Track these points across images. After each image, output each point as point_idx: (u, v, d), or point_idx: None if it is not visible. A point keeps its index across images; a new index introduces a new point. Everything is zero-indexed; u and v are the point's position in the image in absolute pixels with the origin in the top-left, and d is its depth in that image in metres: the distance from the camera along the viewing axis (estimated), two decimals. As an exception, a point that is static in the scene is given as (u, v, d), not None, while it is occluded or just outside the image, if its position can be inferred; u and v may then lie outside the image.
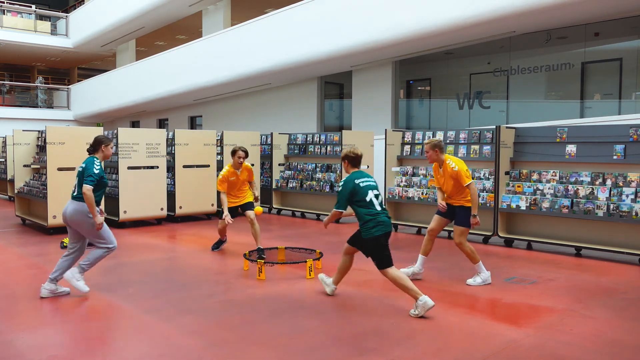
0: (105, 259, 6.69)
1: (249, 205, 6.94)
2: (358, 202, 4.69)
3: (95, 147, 5.16)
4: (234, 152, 6.87)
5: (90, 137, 8.83)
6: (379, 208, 4.70)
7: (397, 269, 4.72)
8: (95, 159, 5.08)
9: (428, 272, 6.08)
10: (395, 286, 5.36)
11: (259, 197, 7.03)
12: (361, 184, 4.72)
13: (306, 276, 5.82)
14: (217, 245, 7.33)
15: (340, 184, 4.83)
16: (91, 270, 6.13)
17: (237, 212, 7.06)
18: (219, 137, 10.92)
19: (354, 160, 4.88)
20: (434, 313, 4.57)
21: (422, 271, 5.78)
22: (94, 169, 4.96)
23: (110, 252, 5.15)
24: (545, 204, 7.14)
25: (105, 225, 5.06)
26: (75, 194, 5.06)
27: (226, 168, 6.90)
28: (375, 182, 4.88)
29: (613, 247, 6.66)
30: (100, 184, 5.01)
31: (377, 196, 4.75)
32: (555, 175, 7.27)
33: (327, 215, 10.68)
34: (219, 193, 7.02)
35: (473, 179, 5.82)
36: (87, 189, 4.88)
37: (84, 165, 5.05)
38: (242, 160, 6.86)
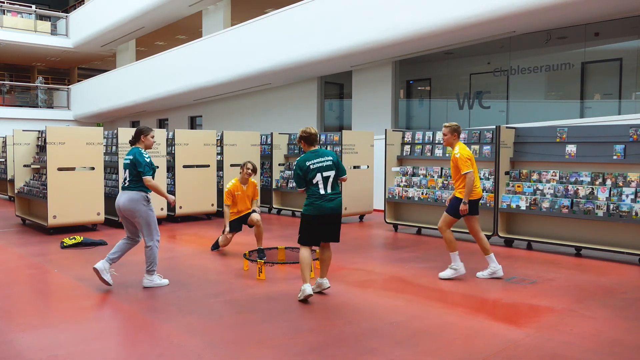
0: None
1: (252, 212, 7.01)
2: (308, 182, 4.96)
3: (136, 137, 5.36)
4: (242, 165, 6.94)
5: (90, 137, 8.86)
6: (322, 191, 4.92)
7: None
8: (140, 149, 5.28)
9: (427, 272, 6.08)
10: (395, 286, 5.35)
11: (258, 212, 7.10)
12: (311, 166, 4.93)
13: (306, 276, 5.81)
14: (217, 245, 7.33)
15: (294, 164, 5.08)
16: (91, 270, 6.14)
17: (239, 225, 7.10)
18: (219, 137, 10.92)
19: (308, 139, 5.07)
20: (434, 313, 4.58)
21: (496, 267, 5.80)
22: (145, 159, 5.18)
23: (158, 245, 5.38)
24: (545, 204, 7.13)
25: (154, 218, 5.30)
26: (126, 184, 5.25)
27: (232, 182, 6.95)
28: (331, 160, 5.00)
29: (613, 247, 6.66)
30: (153, 171, 5.27)
31: (327, 178, 4.94)
32: (555, 175, 7.27)
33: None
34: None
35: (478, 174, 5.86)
36: (148, 179, 5.21)
37: (131, 157, 5.21)
38: (249, 174, 6.92)
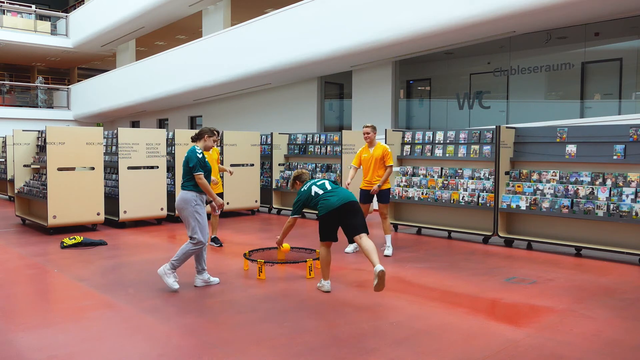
0: (105, 259, 6.72)
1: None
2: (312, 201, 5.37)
3: (198, 136, 5.54)
4: (208, 134, 6.87)
5: (90, 137, 8.86)
6: (320, 192, 5.32)
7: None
8: (196, 147, 5.39)
9: (427, 272, 6.08)
10: (395, 286, 5.35)
11: (232, 171, 7.85)
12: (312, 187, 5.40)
13: (306, 276, 5.82)
14: (218, 240, 7.59)
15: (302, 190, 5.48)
16: (91, 270, 6.15)
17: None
18: (219, 137, 10.91)
19: (300, 177, 5.64)
20: (435, 313, 4.58)
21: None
22: (197, 155, 5.27)
23: (198, 248, 5.27)
24: (545, 204, 7.13)
25: (204, 220, 5.29)
26: (182, 183, 5.33)
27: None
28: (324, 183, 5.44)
29: (613, 247, 6.66)
30: (205, 170, 5.30)
31: (320, 186, 5.36)
32: (555, 175, 7.27)
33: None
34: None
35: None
36: (199, 176, 5.22)
37: (187, 155, 5.33)
38: (216, 140, 7.01)
